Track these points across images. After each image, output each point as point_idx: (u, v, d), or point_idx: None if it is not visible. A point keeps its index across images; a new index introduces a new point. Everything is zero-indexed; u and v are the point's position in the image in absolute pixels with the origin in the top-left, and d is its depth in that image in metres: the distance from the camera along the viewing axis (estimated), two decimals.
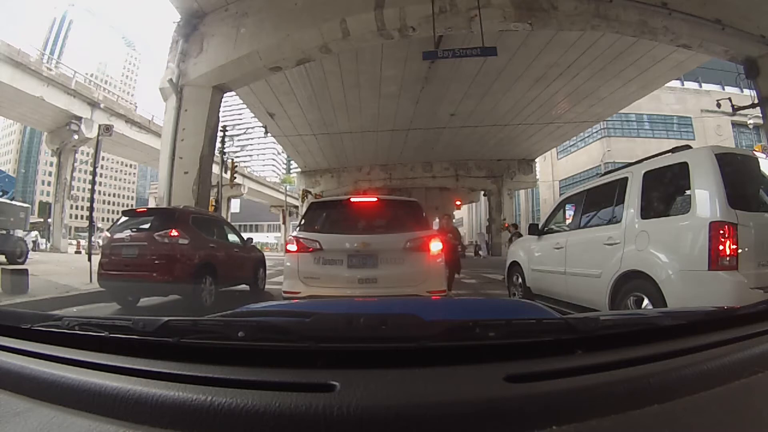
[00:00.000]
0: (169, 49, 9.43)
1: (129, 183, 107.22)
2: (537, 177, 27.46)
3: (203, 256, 5.92)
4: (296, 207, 31.57)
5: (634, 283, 3.19)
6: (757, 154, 3.26)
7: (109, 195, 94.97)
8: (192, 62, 9.12)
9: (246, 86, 11.39)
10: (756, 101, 9.02)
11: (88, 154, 23.34)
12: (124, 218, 6.25)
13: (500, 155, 23.07)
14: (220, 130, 15.94)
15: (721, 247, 2.65)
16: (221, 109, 9.67)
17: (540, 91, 14.67)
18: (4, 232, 12.76)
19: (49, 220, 20.27)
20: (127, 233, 5.87)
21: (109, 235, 6.08)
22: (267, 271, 8.31)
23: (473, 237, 35.17)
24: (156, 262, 5.41)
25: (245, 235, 8.26)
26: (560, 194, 21.71)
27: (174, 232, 5.54)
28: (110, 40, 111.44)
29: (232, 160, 22.15)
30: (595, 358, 0.65)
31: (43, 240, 21.26)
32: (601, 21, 8.18)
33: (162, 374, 0.60)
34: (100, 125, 9.36)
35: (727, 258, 2.64)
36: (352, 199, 4.48)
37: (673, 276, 2.89)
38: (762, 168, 3.09)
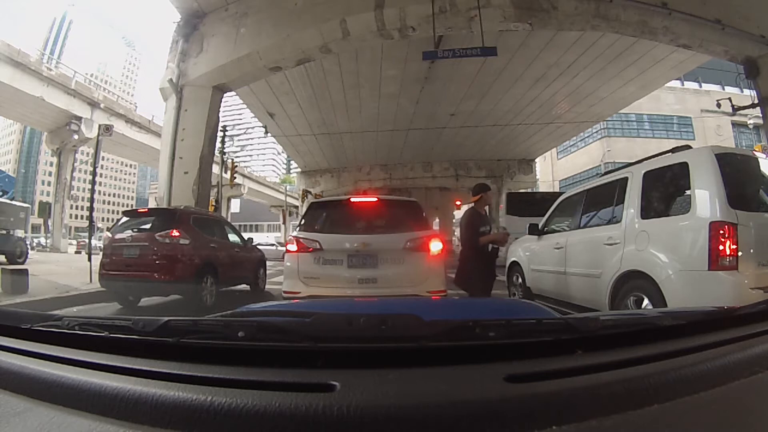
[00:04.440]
0: (169, 49, 9.43)
1: (129, 183, 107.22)
2: (537, 177, 27.42)
3: (204, 256, 5.93)
4: (296, 207, 31.56)
5: (634, 283, 3.19)
6: (757, 154, 3.27)
7: (109, 195, 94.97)
8: (192, 62, 9.12)
9: (246, 86, 11.37)
10: (756, 101, 9.01)
11: (88, 154, 23.30)
12: (125, 218, 6.27)
13: (500, 155, 23.04)
14: (220, 130, 15.94)
15: (721, 247, 2.65)
16: (221, 109, 9.67)
17: (540, 91, 14.65)
18: (4, 232, 12.78)
19: (49, 220, 20.25)
20: (128, 233, 5.88)
21: (110, 235, 6.09)
22: (267, 271, 8.33)
23: None
24: (157, 262, 5.43)
25: (245, 235, 8.27)
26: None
27: (175, 233, 5.56)
28: (110, 40, 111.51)
29: (232, 160, 22.15)
30: (595, 358, 0.65)
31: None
32: (601, 21, 8.17)
33: (162, 374, 0.60)
34: (100, 125, 9.37)
35: (727, 258, 2.64)
36: (352, 199, 4.48)
37: (673, 276, 2.89)
38: (762, 168, 3.09)
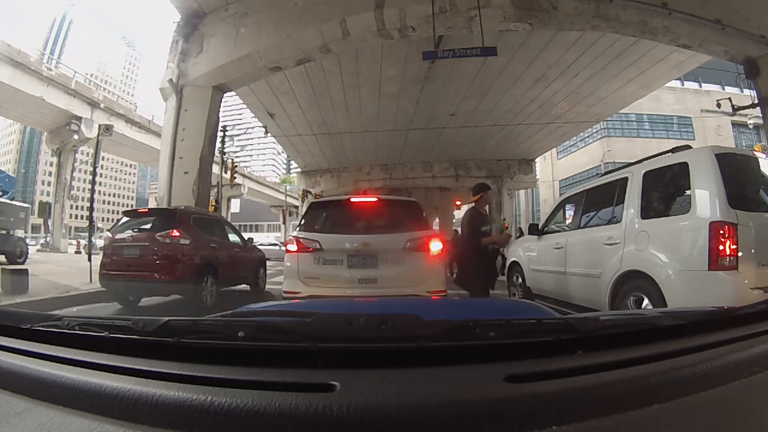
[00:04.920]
0: (169, 49, 9.43)
1: (129, 183, 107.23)
2: (537, 177, 27.36)
3: (204, 256, 5.94)
4: (296, 207, 31.54)
5: (634, 283, 3.19)
6: (757, 154, 3.27)
7: (109, 195, 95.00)
8: (192, 62, 9.11)
9: (246, 86, 11.36)
10: (756, 101, 9.00)
11: (88, 154, 23.30)
12: (125, 219, 6.27)
13: (500, 155, 23.03)
14: (220, 130, 15.94)
15: (721, 247, 2.65)
16: (221, 109, 9.66)
17: (540, 91, 14.64)
18: (4, 232, 12.78)
19: (49, 220, 20.24)
20: (128, 233, 5.88)
21: (110, 235, 6.09)
22: (267, 271, 8.33)
23: None
24: (157, 262, 5.43)
25: (245, 235, 8.27)
26: (560, 194, 21.69)
27: (175, 233, 5.56)
28: (110, 40, 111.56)
29: (232, 160, 22.14)
30: (595, 358, 0.65)
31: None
32: (601, 21, 8.16)
33: (162, 374, 0.60)
34: (100, 125, 9.38)
35: (727, 258, 2.64)
36: (352, 199, 4.48)
37: (673, 276, 2.89)
38: (762, 168, 3.10)
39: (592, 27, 8.50)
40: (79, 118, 19.38)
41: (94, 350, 0.70)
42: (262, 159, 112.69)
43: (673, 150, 3.39)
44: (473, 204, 4.20)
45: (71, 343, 0.73)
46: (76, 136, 19.48)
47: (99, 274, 5.83)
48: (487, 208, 4.33)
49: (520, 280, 5.39)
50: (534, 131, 19.19)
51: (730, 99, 12.64)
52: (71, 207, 26.63)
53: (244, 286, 7.51)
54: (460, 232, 4.74)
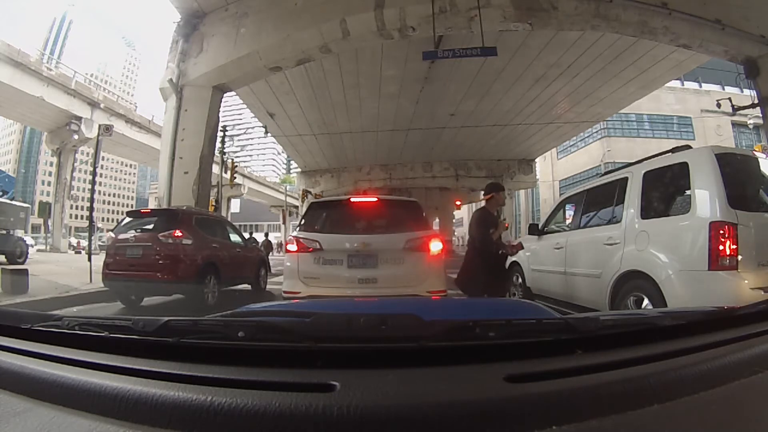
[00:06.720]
0: (169, 49, 9.43)
1: (129, 183, 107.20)
2: (537, 177, 27.40)
3: (206, 256, 5.96)
4: (296, 207, 31.55)
5: (634, 283, 3.19)
6: (757, 154, 3.26)
7: (109, 195, 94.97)
8: (192, 62, 9.12)
9: (246, 86, 11.38)
10: (756, 101, 9.00)
11: (88, 154, 23.27)
12: (128, 219, 6.30)
13: (500, 155, 23.06)
14: (220, 130, 15.94)
15: (721, 247, 2.65)
16: (221, 109, 9.67)
17: (540, 91, 14.66)
18: (4, 232, 12.77)
19: (49, 220, 20.23)
20: (131, 234, 5.89)
21: (113, 235, 6.10)
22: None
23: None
24: (160, 262, 5.44)
25: (246, 235, 8.28)
26: (560, 194, 21.69)
27: (178, 233, 5.57)
28: (110, 40, 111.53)
29: (232, 160, 22.14)
30: (595, 358, 0.65)
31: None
32: (601, 21, 8.17)
33: (162, 374, 0.60)
34: (100, 125, 9.37)
35: (727, 258, 2.64)
36: (352, 199, 4.49)
37: (673, 276, 2.89)
38: (762, 168, 3.09)
39: (592, 27, 8.51)
40: (79, 118, 19.38)
41: (94, 350, 0.70)
42: (262, 159, 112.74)
43: (673, 150, 3.38)
44: (483, 204, 3.90)
45: (71, 343, 0.73)
46: (76, 136, 19.49)
47: (102, 274, 5.82)
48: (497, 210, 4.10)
49: (520, 280, 5.39)
50: (534, 131, 19.21)
51: (730, 99, 12.65)
52: (71, 207, 26.67)
53: (245, 286, 7.51)
54: (468, 232, 4.32)
